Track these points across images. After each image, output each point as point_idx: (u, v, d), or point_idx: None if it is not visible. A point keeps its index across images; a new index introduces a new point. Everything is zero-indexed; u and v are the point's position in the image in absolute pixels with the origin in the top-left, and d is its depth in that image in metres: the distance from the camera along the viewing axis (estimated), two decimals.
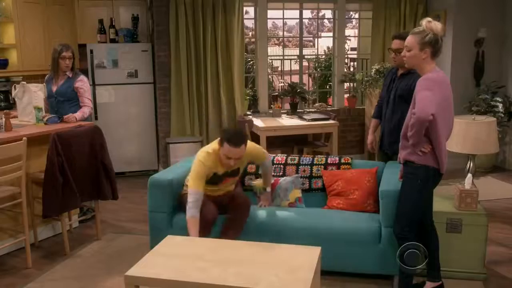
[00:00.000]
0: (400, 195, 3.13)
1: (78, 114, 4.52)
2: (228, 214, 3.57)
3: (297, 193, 3.95)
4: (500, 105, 6.26)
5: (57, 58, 4.55)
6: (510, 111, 6.44)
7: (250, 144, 3.53)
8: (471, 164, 3.77)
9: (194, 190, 3.33)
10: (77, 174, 3.97)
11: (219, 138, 3.38)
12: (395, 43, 3.83)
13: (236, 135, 3.31)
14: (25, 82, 4.47)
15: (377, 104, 4.26)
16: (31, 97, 4.37)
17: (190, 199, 3.32)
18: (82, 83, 4.65)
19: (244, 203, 3.57)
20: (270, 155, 4.26)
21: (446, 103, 2.96)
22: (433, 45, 2.95)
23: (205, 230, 3.39)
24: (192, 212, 3.29)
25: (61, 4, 6.07)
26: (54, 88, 4.62)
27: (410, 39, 3.01)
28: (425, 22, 2.98)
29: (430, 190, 3.12)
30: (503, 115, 6.27)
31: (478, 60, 6.65)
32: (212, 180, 3.53)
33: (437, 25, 2.96)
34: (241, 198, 3.62)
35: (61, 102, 4.60)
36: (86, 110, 4.63)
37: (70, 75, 4.64)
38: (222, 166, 3.45)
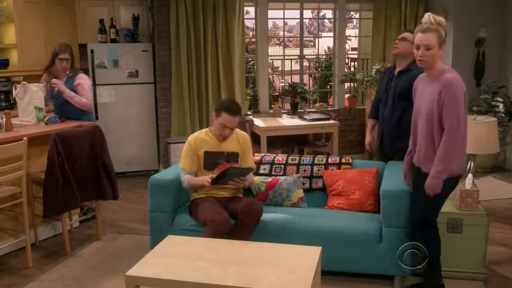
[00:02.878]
0: (419, 200, 3.11)
1: (71, 92, 4.50)
2: (238, 218, 3.40)
3: (300, 193, 3.95)
4: (501, 105, 6.26)
5: (54, 57, 4.54)
6: (511, 111, 6.44)
7: (246, 134, 3.74)
8: (472, 164, 3.77)
9: (182, 169, 3.59)
10: (77, 174, 3.97)
11: (214, 111, 3.57)
12: (404, 34, 3.89)
13: (234, 105, 3.54)
14: (25, 82, 4.47)
15: (372, 105, 4.26)
16: (32, 97, 4.37)
17: (182, 176, 3.59)
18: (81, 80, 4.59)
19: (255, 207, 3.42)
20: (271, 155, 4.28)
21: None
22: (445, 41, 2.94)
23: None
24: (185, 178, 3.56)
25: (61, 4, 6.07)
26: (55, 89, 4.60)
27: (431, 37, 2.89)
28: (432, 18, 2.91)
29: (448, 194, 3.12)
30: (503, 115, 6.26)
31: (479, 60, 6.65)
32: (209, 160, 3.57)
33: (440, 19, 2.93)
34: (253, 201, 3.50)
35: (63, 103, 4.58)
36: (83, 99, 4.54)
37: (70, 74, 4.61)
38: (216, 136, 3.58)
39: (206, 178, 3.43)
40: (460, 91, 2.86)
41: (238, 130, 3.72)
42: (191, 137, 3.63)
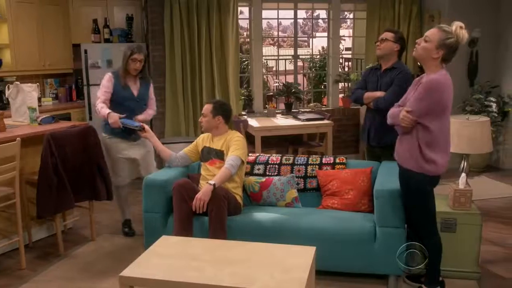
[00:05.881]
0: (408, 202, 3.18)
1: (141, 116, 4.30)
2: (208, 211, 3.49)
3: (293, 193, 3.95)
4: (494, 105, 6.29)
5: (127, 58, 4.21)
6: (504, 111, 6.48)
7: (238, 135, 3.89)
8: (465, 164, 3.78)
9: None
10: (71, 174, 3.96)
11: None
12: (383, 34, 4.00)
13: (217, 98, 4.03)
14: (18, 82, 4.45)
15: (354, 91, 4.27)
16: (25, 97, 4.35)
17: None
18: (151, 84, 4.51)
19: (216, 198, 3.45)
20: (265, 155, 4.28)
21: (451, 104, 2.96)
22: (449, 50, 2.89)
23: (186, 230, 3.51)
24: None
25: (55, 4, 6.06)
26: (136, 92, 4.31)
27: (433, 31, 2.92)
28: (457, 27, 2.88)
29: (430, 192, 3.15)
30: (496, 115, 6.30)
31: (472, 60, 6.69)
32: (204, 154, 3.93)
33: (464, 35, 2.88)
34: (216, 194, 3.48)
35: (141, 105, 4.36)
36: (150, 112, 4.45)
37: (143, 78, 4.39)
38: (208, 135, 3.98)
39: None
40: (435, 91, 2.85)
41: (232, 133, 3.90)
42: (201, 135, 4.08)
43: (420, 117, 2.91)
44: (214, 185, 3.49)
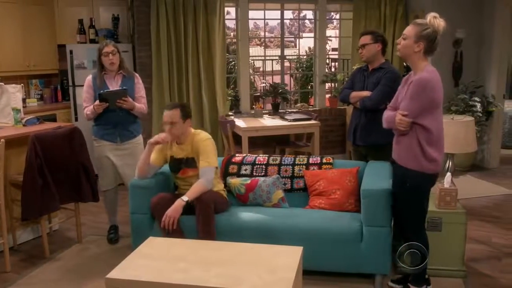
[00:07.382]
0: (402, 202, 3.18)
1: (135, 104, 4.10)
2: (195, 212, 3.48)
3: (280, 194, 3.95)
4: (478, 105, 6.36)
5: (100, 56, 4.09)
6: (488, 111, 6.55)
7: (204, 136, 3.67)
8: (450, 163, 3.82)
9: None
10: (56, 176, 3.92)
11: None
12: (361, 40, 4.04)
13: (173, 102, 3.63)
14: (3, 83, 4.41)
15: (341, 91, 4.30)
16: (9, 98, 4.31)
17: None
18: (138, 80, 4.28)
19: (201, 204, 3.43)
20: (252, 155, 4.28)
21: (442, 100, 3.00)
22: (428, 41, 2.93)
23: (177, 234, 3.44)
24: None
25: (39, 4, 6.00)
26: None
27: (409, 28, 2.99)
28: (431, 17, 2.95)
29: (428, 191, 3.17)
30: (481, 115, 6.37)
31: (457, 60, 6.75)
32: (173, 165, 3.76)
33: (440, 23, 2.93)
34: (202, 200, 3.45)
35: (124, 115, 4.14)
36: (143, 105, 4.22)
37: (125, 74, 4.19)
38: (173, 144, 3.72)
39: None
40: (426, 89, 2.88)
41: (197, 135, 3.68)
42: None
43: (415, 117, 2.93)
44: (187, 201, 3.40)
